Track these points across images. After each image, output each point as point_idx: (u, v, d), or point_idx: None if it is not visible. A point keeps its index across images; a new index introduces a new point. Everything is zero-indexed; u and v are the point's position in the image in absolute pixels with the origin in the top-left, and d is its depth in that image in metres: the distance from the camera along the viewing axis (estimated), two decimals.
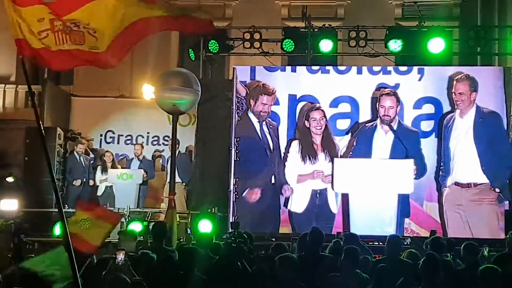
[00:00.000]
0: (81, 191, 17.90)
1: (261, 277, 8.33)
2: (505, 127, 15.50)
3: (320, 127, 15.87)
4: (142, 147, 18.70)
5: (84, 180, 17.98)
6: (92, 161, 18.54)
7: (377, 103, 15.73)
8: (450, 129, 15.64)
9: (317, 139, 15.88)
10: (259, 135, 16.06)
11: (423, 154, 15.62)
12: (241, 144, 16.04)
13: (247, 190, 15.93)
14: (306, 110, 15.99)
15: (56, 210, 16.74)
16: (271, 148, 16.01)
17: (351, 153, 15.83)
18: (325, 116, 15.91)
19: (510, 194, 15.28)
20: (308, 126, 15.91)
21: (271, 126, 16.05)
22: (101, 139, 19.73)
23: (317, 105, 15.98)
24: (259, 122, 16.08)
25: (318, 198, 15.68)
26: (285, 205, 15.83)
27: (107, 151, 18.64)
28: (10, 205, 14.67)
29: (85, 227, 7.01)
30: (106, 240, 7.44)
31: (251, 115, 16.14)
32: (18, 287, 7.11)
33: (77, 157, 18.10)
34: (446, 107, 15.80)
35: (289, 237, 12.27)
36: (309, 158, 15.79)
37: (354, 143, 15.83)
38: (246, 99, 16.18)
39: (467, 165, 15.49)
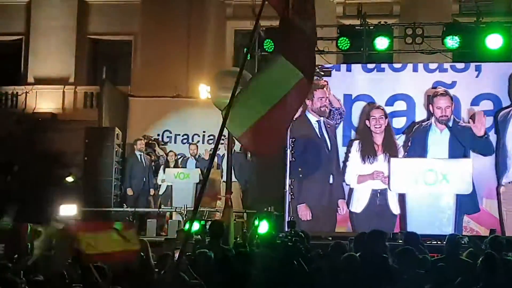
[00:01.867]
0: (140, 191, 18.10)
1: (319, 276, 8.32)
2: None
3: (379, 126, 15.74)
4: (197, 146, 18.83)
5: (144, 179, 18.16)
6: (156, 161, 18.70)
7: (431, 104, 15.56)
8: (506, 125, 15.38)
9: (378, 139, 15.75)
10: (318, 135, 16.02)
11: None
12: (297, 144, 16.01)
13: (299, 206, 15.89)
14: (367, 110, 15.90)
15: (115, 209, 17.05)
16: (329, 148, 15.96)
17: (406, 153, 15.69)
18: (385, 115, 15.78)
19: None
20: (368, 125, 15.81)
21: (328, 126, 16.00)
22: (158, 139, 19.91)
23: (377, 104, 15.87)
24: (318, 121, 16.02)
25: (379, 198, 15.59)
26: (347, 204, 15.74)
27: (170, 151, 18.84)
28: (70, 210, 14.87)
29: (116, 239, 7.22)
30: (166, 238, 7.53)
31: (309, 115, 16.08)
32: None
33: (138, 156, 18.29)
34: (505, 104, 15.54)
35: (345, 237, 12.21)
36: (369, 158, 15.70)
37: (409, 143, 15.69)
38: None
39: None
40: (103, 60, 23.71)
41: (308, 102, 16.02)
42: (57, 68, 23.48)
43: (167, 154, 18.77)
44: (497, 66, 16.00)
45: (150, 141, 19.30)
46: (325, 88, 16.05)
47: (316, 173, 15.95)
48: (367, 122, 15.83)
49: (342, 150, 15.98)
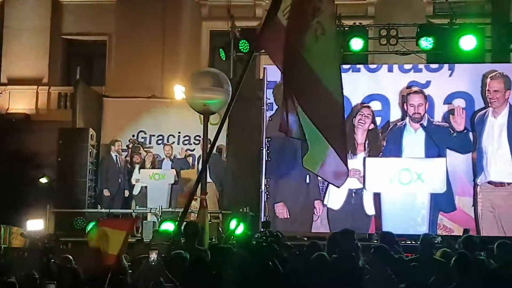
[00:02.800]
0: (116, 192, 18.02)
1: (294, 276, 8.33)
2: None
3: (363, 123, 15.75)
4: (172, 147, 18.78)
5: (120, 180, 18.09)
6: (129, 161, 18.64)
7: (406, 102, 15.66)
8: (482, 127, 15.52)
9: (359, 137, 15.77)
10: None
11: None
12: (273, 144, 16.01)
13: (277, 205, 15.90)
14: (357, 108, 15.88)
15: (89, 210, 16.95)
16: None
17: (381, 153, 15.77)
18: (372, 114, 15.80)
19: None
20: (353, 122, 15.77)
21: None
22: (129, 139, 19.79)
23: (365, 104, 15.87)
24: None
25: (354, 198, 15.63)
26: (324, 202, 15.75)
27: (148, 151, 18.74)
28: (36, 225, 14.76)
29: (105, 239, 7.20)
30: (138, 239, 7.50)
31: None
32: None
33: (114, 158, 18.23)
34: (478, 104, 15.70)
35: (321, 237, 12.24)
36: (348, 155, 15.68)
37: (384, 143, 15.77)
38: (278, 98, 16.13)
39: (500, 164, 15.38)
40: (77, 60, 23.53)
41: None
42: (30, 69, 23.27)
43: (139, 154, 18.67)
44: (470, 67, 16.12)
45: (135, 144, 19.24)
46: None
47: (293, 172, 15.94)
48: (353, 119, 15.81)
49: None
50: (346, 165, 7.07)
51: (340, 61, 7.11)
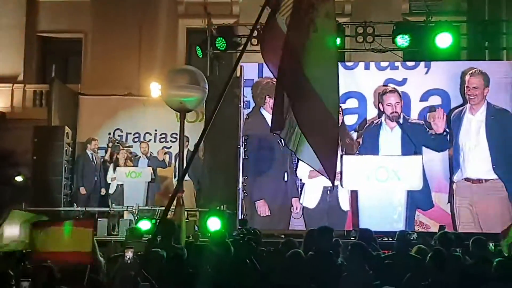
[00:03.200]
0: (92, 190, 17.91)
1: (271, 273, 8.32)
2: None
3: None
4: (148, 145, 18.70)
5: (96, 179, 17.99)
6: (108, 160, 18.54)
7: (381, 102, 15.72)
8: (459, 124, 15.60)
9: None
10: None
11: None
12: (250, 142, 16.01)
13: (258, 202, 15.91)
14: None
15: (65, 209, 16.84)
16: (283, 144, 15.92)
17: (357, 151, 15.83)
18: (342, 112, 15.83)
19: None
20: None
21: None
22: (109, 138, 19.72)
23: None
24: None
25: (330, 195, 15.66)
26: (300, 200, 15.78)
27: (122, 149, 18.63)
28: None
29: (68, 238, 7.22)
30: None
31: (264, 112, 16.06)
32: None
33: (90, 156, 18.12)
34: (455, 101, 15.77)
35: (299, 235, 12.25)
36: None
37: (361, 141, 15.83)
38: (256, 96, 16.12)
39: (478, 161, 15.47)
40: (53, 58, 23.33)
41: (267, 98, 15.97)
42: (5, 66, 23.06)
43: (118, 153, 18.58)
44: (445, 65, 16.20)
45: (115, 143, 19.15)
46: None
47: (270, 170, 15.95)
48: None
49: None
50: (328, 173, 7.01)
51: (334, 65, 6.88)
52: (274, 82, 15.78)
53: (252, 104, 16.17)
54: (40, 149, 17.53)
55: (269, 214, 15.87)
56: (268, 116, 15.98)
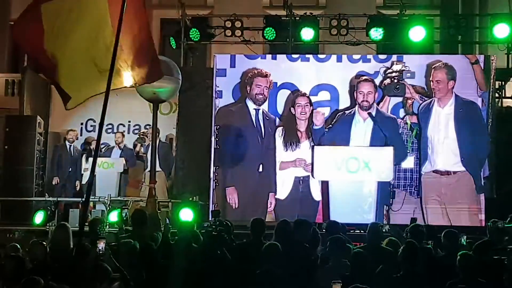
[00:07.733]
0: (67, 180, 17.79)
1: (243, 265, 8.34)
2: (484, 117, 15.55)
3: (304, 113, 15.83)
4: (123, 135, 18.55)
5: (70, 169, 17.85)
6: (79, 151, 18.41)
7: (355, 90, 15.76)
8: (427, 117, 15.68)
9: (302, 126, 15.84)
10: (254, 123, 15.97)
11: (403, 140, 15.68)
12: (222, 132, 15.98)
13: (228, 189, 15.92)
14: (292, 98, 15.96)
15: (36, 199, 16.72)
16: (263, 136, 15.95)
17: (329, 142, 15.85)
18: (310, 103, 15.87)
19: (489, 184, 15.40)
20: (293, 113, 15.87)
21: (267, 118, 15.98)
22: (81, 128, 19.58)
23: (303, 91, 15.95)
24: (255, 109, 15.98)
25: (302, 186, 15.68)
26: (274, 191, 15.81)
27: (94, 140, 18.47)
28: None
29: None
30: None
31: (249, 102, 16.07)
32: None
33: (67, 146, 17.97)
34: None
35: (271, 226, 12.25)
36: (291, 145, 15.78)
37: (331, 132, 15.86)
38: (241, 87, 16.09)
39: (447, 153, 15.56)
40: None
41: (247, 88, 15.96)
42: None
43: (90, 143, 18.46)
44: (417, 58, 16.23)
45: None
46: (266, 78, 16.02)
47: (243, 161, 15.92)
48: (292, 109, 15.90)
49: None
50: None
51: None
52: (256, 71, 15.92)
53: (225, 94, 16.11)
54: (12, 138, 17.35)
55: (239, 202, 15.82)
56: (251, 106, 15.98)
